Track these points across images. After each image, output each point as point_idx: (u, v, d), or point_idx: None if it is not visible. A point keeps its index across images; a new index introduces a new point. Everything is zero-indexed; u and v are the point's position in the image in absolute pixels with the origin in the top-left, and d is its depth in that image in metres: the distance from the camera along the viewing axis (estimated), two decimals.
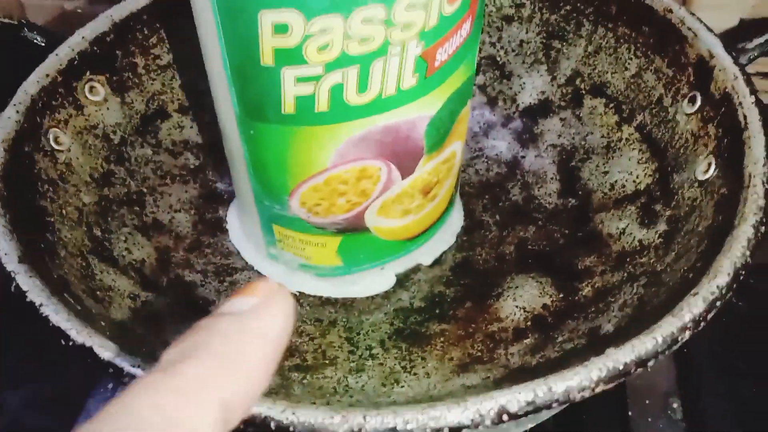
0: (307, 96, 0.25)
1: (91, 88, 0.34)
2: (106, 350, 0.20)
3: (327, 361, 0.30)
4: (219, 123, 0.30)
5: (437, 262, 0.35)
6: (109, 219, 0.33)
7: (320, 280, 0.34)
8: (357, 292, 0.34)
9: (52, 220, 0.29)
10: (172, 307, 0.31)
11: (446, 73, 0.26)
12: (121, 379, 0.20)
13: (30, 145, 0.30)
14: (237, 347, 0.13)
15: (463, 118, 0.30)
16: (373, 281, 0.34)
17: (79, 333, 0.21)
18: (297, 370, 0.29)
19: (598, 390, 0.19)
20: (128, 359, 0.20)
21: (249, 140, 0.28)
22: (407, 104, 0.26)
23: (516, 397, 0.19)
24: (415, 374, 0.29)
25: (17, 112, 0.30)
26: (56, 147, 0.32)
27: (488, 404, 0.18)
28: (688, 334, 0.20)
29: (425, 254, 0.35)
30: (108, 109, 0.35)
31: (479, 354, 0.30)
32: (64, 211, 0.31)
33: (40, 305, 0.22)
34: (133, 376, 0.20)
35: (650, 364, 0.20)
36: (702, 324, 0.21)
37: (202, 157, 0.39)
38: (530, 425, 0.26)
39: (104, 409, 0.12)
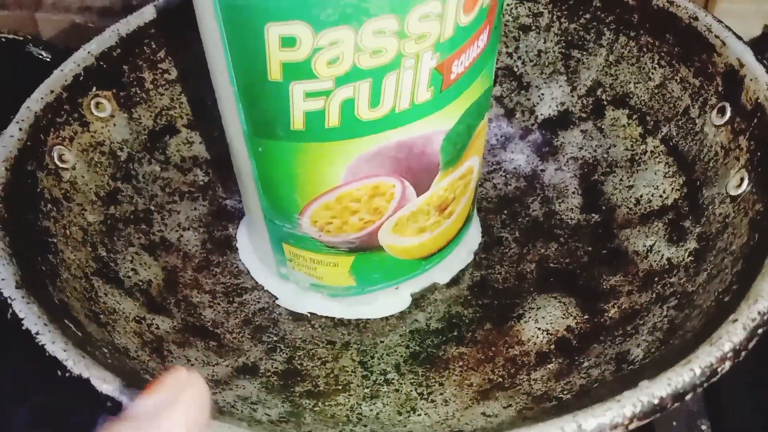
0: (317, 111, 0.23)
1: (98, 104, 0.33)
2: (104, 383, 0.19)
3: (340, 387, 0.29)
4: (227, 140, 0.29)
5: (454, 281, 0.34)
6: (115, 238, 0.32)
7: (332, 301, 0.32)
8: (371, 313, 0.32)
9: (55, 241, 0.28)
10: (179, 330, 0.30)
11: (463, 86, 0.25)
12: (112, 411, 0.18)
13: (33, 163, 0.29)
14: None
15: (481, 132, 0.29)
16: (387, 302, 0.33)
17: (76, 364, 0.20)
18: (308, 397, 0.28)
19: (631, 427, 0.18)
20: (127, 393, 0.19)
21: (258, 157, 0.27)
22: (422, 119, 0.25)
23: None
24: (432, 401, 0.28)
25: (20, 129, 0.29)
26: (60, 165, 0.31)
27: None
28: (728, 365, 0.19)
29: (442, 273, 0.34)
30: (115, 125, 0.34)
31: (500, 380, 0.28)
32: (67, 232, 0.30)
33: (36, 333, 0.21)
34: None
35: (688, 398, 0.18)
36: (743, 354, 0.19)
37: (212, 174, 0.38)
38: None
39: None
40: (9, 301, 0.22)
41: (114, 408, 0.19)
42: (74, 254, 0.29)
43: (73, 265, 0.28)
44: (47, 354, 0.20)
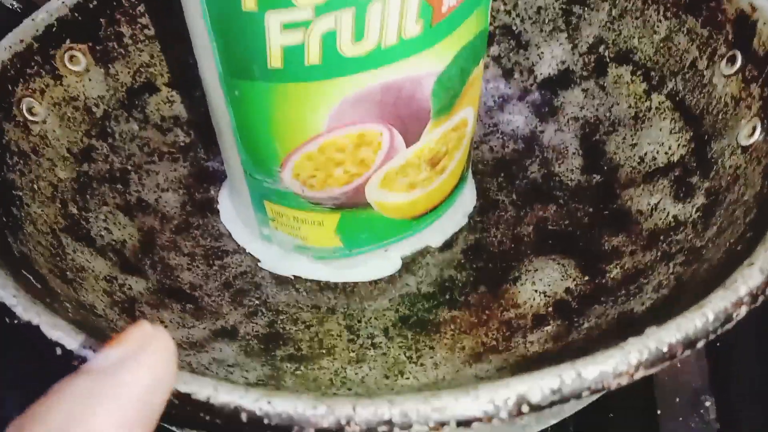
0: (296, 46, 0.22)
1: (72, 57, 0.31)
2: (55, 329, 0.17)
3: (324, 351, 0.27)
4: (204, 88, 0.27)
5: (447, 244, 0.32)
6: (88, 197, 0.30)
7: (318, 263, 0.31)
8: (358, 276, 0.30)
9: (21, 194, 0.27)
10: (153, 292, 0.28)
11: (455, 22, 0.23)
12: (69, 363, 0.17)
13: None
14: (82, 414, 0.12)
15: (475, 80, 0.27)
16: (376, 265, 0.31)
17: (26, 310, 0.18)
18: (290, 360, 0.26)
19: (637, 376, 0.16)
20: (79, 339, 0.17)
21: (234, 103, 0.25)
22: (411, 56, 0.23)
23: (539, 385, 0.15)
24: (422, 365, 0.26)
25: None
26: (30, 118, 0.29)
27: (504, 393, 0.15)
28: (744, 309, 0.17)
29: (434, 236, 0.32)
30: (90, 80, 0.32)
31: (494, 343, 0.27)
32: (35, 186, 0.28)
33: None
34: (84, 360, 0.17)
35: (699, 345, 0.16)
36: (761, 298, 0.17)
37: (193, 135, 0.36)
38: (552, 421, 0.23)
39: None
40: None
41: (66, 356, 0.17)
42: (41, 209, 0.27)
43: (40, 220, 0.27)
44: None
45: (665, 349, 0.16)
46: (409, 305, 0.29)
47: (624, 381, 0.16)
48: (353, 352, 0.27)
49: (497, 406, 0.15)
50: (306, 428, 0.15)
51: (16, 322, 0.18)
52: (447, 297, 0.29)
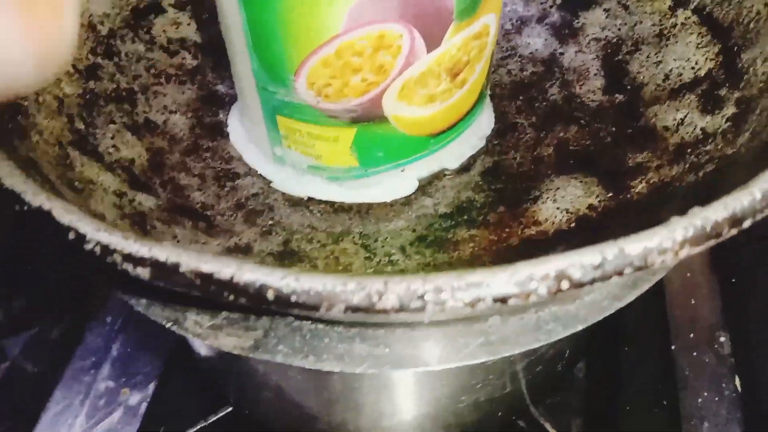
0: None
1: None
2: (68, 213, 0.16)
3: (340, 268, 0.26)
4: None
5: (465, 168, 0.31)
6: (95, 114, 0.29)
7: (332, 184, 0.30)
8: (374, 197, 0.29)
9: (25, 104, 0.26)
10: (164, 209, 0.27)
11: None
12: (81, 247, 0.16)
13: None
14: None
15: None
16: (392, 185, 0.30)
17: (36, 195, 0.17)
18: None
19: (682, 254, 0.15)
20: (93, 223, 0.16)
21: (248, 4, 0.24)
22: None
23: (579, 261, 0.14)
24: None
25: None
26: None
27: (543, 268, 0.14)
28: None
29: (451, 158, 0.31)
30: None
31: (515, 258, 0.26)
32: (40, 98, 0.27)
33: None
34: (99, 243, 0.16)
35: (745, 224, 0.16)
36: None
37: (201, 57, 0.35)
38: (579, 327, 0.22)
39: None
40: None
41: (78, 241, 0.16)
42: (48, 121, 0.26)
43: (46, 131, 0.26)
44: (3, 187, 0.17)
45: (710, 226, 0.15)
46: (426, 225, 0.29)
47: (669, 258, 0.15)
48: (370, 269, 0.26)
49: (536, 280, 0.14)
50: (335, 304, 0.14)
51: (26, 208, 0.17)
52: (465, 217, 0.29)
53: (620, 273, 0.15)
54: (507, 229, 0.27)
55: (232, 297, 0.15)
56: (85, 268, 0.37)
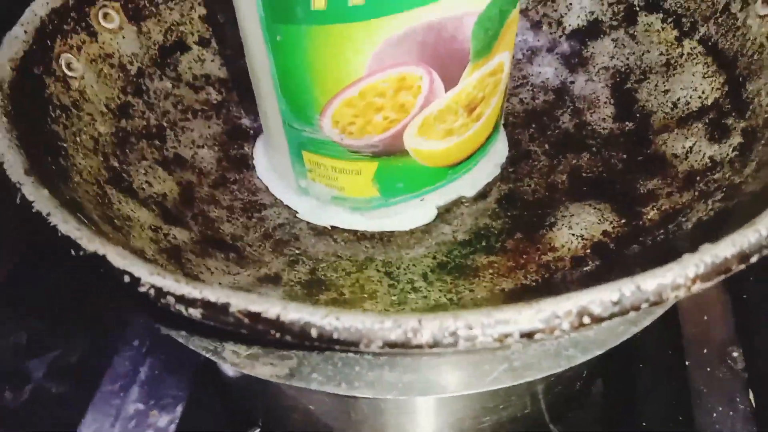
0: None
1: (105, 14, 0.32)
2: (122, 258, 0.18)
3: (366, 296, 0.28)
4: (242, 36, 0.27)
5: (481, 195, 0.32)
6: (128, 151, 0.31)
7: (355, 214, 0.31)
8: (395, 225, 0.31)
9: (65, 145, 0.27)
10: (197, 242, 0.29)
11: None
12: (135, 290, 0.17)
13: (40, 67, 0.28)
14: None
15: (512, 23, 0.27)
16: (412, 214, 0.31)
17: (90, 242, 0.18)
18: (334, 304, 0.27)
19: (694, 289, 0.16)
20: (146, 267, 0.17)
21: (276, 48, 0.25)
22: None
23: (599, 297, 0.16)
24: (463, 306, 0.26)
25: (25, 32, 0.28)
26: (69, 73, 0.29)
27: (566, 305, 0.16)
28: None
29: (467, 186, 0.32)
30: (124, 37, 0.33)
31: (533, 284, 0.27)
32: (78, 139, 0.28)
33: (48, 214, 0.19)
34: (153, 287, 0.17)
35: (752, 259, 0.17)
36: None
37: (225, 93, 0.36)
38: (597, 352, 0.23)
39: None
40: (18, 185, 0.21)
41: (133, 284, 0.17)
42: (86, 161, 0.28)
43: (85, 171, 0.27)
44: (60, 234, 0.19)
45: (720, 262, 0.16)
46: (446, 252, 0.30)
47: (681, 294, 0.16)
48: (394, 296, 0.28)
49: (559, 317, 0.15)
50: (374, 341, 0.15)
51: (81, 253, 0.18)
52: (483, 244, 0.30)
53: (637, 308, 0.16)
54: (525, 256, 0.29)
55: (278, 335, 0.16)
56: (105, 291, 0.39)
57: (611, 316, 0.16)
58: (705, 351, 0.42)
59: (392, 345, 0.15)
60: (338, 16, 0.23)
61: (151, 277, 0.17)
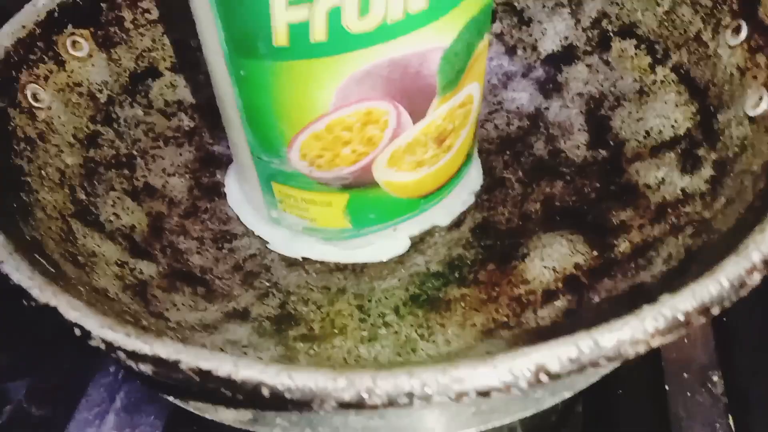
0: (301, 23, 0.22)
1: (74, 42, 0.31)
2: (73, 310, 0.17)
3: (336, 330, 0.27)
4: (208, 69, 0.27)
5: (455, 223, 0.32)
6: (96, 182, 0.30)
7: (327, 245, 0.31)
8: (368, 257, 0.30)
9: (29, 180, 0.27)
10: (164, 275, 0.28)
11: None
12: (86, 343, 0.17)
13: (5, 99, 0.27)
14: None
15: (480, 55, 0.27)
16: (385, 244, 0.31)
17: (42, 292, 0.18)
18: (303, 340, 0.27)
19: (654, 344, 0.16)
20: (97, 320, 0.17)
21: (240, 83, 0.25)
22: (416, 31, 0.23)
23: (556, 353, 0.15)
24: (433, 342, 0.26)
25: None
26: (35, 104, 0.29)
27: (522, 362, 0.15)
28: (757, 276, 0.17)
29: (441, 215, 0.32)
30: (93, 65, 0.32)
31: (505, 319, 0.27)
32: (43, 172, 0.28)
33: (0, 262, 0.19)
34: (103, 341, 0.17)
35: (714, 312, 0.16)
36: None
37: (198, 119, 0.36)
38: (567, 394, 0.23)
39: None
40: None
41: (84, 337, 0.17)
42: (50, 195, 0.27)
43: (49, 206, 0.27)
44: (11, 282, 0.18)
45: (681, 317, 0.16)
46: (418, 284, 0.29)
47: (641, 349, 0.16)
48: (365, 330, 0.27)
49: (516, 375, 0.15)
50: (327, 401, 0.15)
51: (33, 304, 0.18)
52: (456, 275, 0.30)
53: (596, 364, 0.15)
54: (497, 288, 0.28)
55: (229, 393, 0.16)
56: None
57: (569, 374, 0.15)
58: (685, 375, 0.41)
59: (346, 405, 0.15)
60: (301, 53, 0.22)
61: (101, 330, 0.17)
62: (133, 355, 0.16)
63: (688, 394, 0.41)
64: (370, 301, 0.29)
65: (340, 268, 0.31)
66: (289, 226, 0.31)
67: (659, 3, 0.32)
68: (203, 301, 0.28)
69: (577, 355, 0.15)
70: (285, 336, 0.27)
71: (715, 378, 0.42)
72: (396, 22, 0.22)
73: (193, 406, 0.22)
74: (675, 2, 0.31)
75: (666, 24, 0.32)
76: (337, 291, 0.30)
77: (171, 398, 0.22)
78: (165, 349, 0.16)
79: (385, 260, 0.31)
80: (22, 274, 0.18)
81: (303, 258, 0.31)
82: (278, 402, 0.15)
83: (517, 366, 0.15)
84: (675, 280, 0.23)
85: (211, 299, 0.28)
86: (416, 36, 0.23)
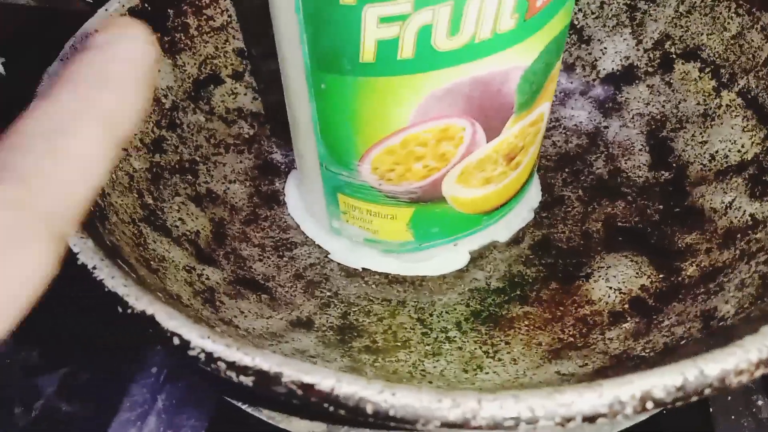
0: (391, 40, 0.22)
1: None
2: (171, 319, 0.18)
3: (399, 344, 0.27)
4: (283, 80, 0.27)
5: (514, 240, 0.32)
6: (161, 187, 0.30)
7: (387, 257, 0.31)
8: (428, 270, 0.31)
9: (102, 184, 0.27)
10: (229, 282, 0.29)
11: (546, 17, 0.23)
12: (185, 353, 0.17)
13: None
14: (105, 71, 0.14)
15: (555, 75, 0.27)
16: (445, 259, 0.31)
17: (138, 300, 0.18)
18: (367, 352, 0.27)
19: (757, 374, 0.16)
20: (197, 329, 0.17)
21: (319, 96, 0.25)
22: (502, 51, 0.23)
23: (662, 382, 0.15)
24: (499, 360, 0.26)
25: None
26: None
27: (629, 389, 0.15)
28: None
29: (501, 231, 0.32)
30: (159, 71, 0.32)
31: (571, 339, 0.27)
32: (114, 176, 0.28)
33: (93, 268, 0.19)
34: (203, 351, 0.17)
35: None
36: None
37: (257, 127, 0.36)
38: (628, 424, 0.23)
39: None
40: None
41: (183, 347, 0.17)
42: (121, 199, 0.27)
43: (121, 210, 0.27)
44: (106, 290, 0.19)
45: None
46: (479, 300, 0.30)
47: (745, 379, 0.16)
48: (428, 345, 0.27)
49: (623, 402, 0.15)
50: (431, 421, 0.15)
51: (129, 311, 0.18)
52: (518, 292, 0.30)
53: (700, 393, 0.15)
54: (561, 308, 0.28)
55: (331, 408, 0.16)
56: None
57: (674, 402, 0.15)
58: (729, 398, 0.41)
59: (450, 425, 0.15)
60: (386, 69, 0.23)
61: (201, 341, 0.17)
62: (234, 367, 0.17)
63: (733, 417, 0.41)
64: (431, 315, 0.29)
65: (399, 280, 0.31)
66: (350, 236, 0.31)
67: (726, 27, 0.32)
68: (268, 308, 0.28)
69: (682, 383, 0.15)
70: (350, 347, 0.27)
71: (760, 402, 0.42)
72: (483, 41, 0.22)
73: (266, 415, 0.22)
74: (743, 27, 0.31)
75: (733, 48, 0.32)
76: (397, 303, 0.30)
77: (242, 405, 0.22)
78: (267, 361, 0.16)
79: (444, 274, 0.31)
80: (116, 281, 0.19)
81: (362, 269, 0.31)
82: (381, 419, 0.15)
83: (624, 393, 0.15)
84: (752, 307, 0.22)
85: (275, 307, 0.28)
86: (501, 56, 0.23)
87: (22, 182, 0.12)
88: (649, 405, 0.15)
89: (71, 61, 0.14)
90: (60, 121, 0.13)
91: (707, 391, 0.16)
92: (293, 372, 0.16)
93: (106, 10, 0.30)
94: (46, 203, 0.12)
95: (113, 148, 0.14)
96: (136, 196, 0.29)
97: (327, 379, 0.16)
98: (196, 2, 0.34)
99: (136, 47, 0.15)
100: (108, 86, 0.14)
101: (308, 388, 0.16)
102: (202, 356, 0.17)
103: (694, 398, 0.15)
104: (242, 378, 0.16)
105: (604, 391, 0.15)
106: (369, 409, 0.16)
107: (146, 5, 0.32)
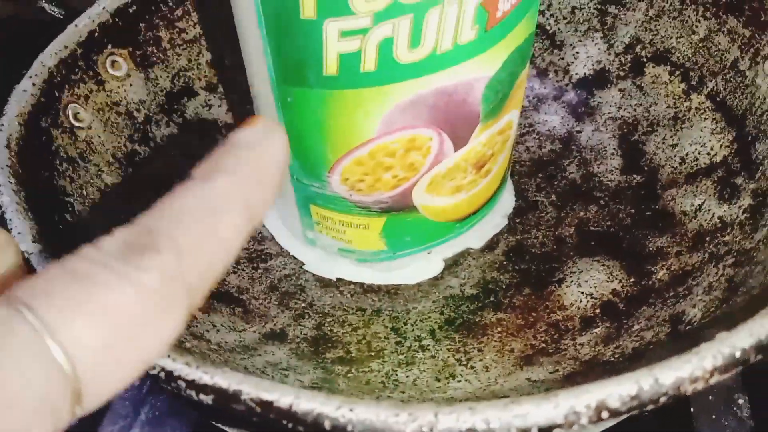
0: (353, 53, 0.22)
1: (113, 62, 0.32)
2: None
3: (373, 354, 0.27)
4: (252, 92, 0.27)
5: (488, 246, 0.32)
6: (133, 202, 0.30)
7: (361, 266, 0.31)
8: (402, 279, 0.31)
9: (72, 201, 0.27)
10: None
11: (508, 27, 0.23)
12: (146, 372, 0.17)
13: (47, 120, 0.28)
14: (257, 169, 0.16)
15: (521, 83, 0.27)
16: (419, 267, 0.31)
17: None
18: (340, 363, 0.27)
19: (712, 381, 0.16)
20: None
21: (286, 109, 0.25)
22: (464, 62, 0.23)
23: (617, 391, 0.15)
24: (472, 367, 0.26)
25: (33, 85, 0.28)
26: (76, 124, 0.29)
27: (584, 399, 0.15)
28: None
29: (475, 238, 0.32)
30: (131, 85, 0.32)
31: (543, 345, 0.27)
32: (84, 192, 0.28)
33: None
34: (163, 370, 0.17)
35: None
36: None
37: None
38: (609, 424, 0.23)
39: (154, 207, 0.15)
40: (26, 255, 0.20)
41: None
42: (91, 216, 0.27)
43: (92, 226, 0.27)
44: None
45: (739, 355, 0.16)
46: (453, 307, 0.30)
47: (700, 386, 0.16)
48: (402, 354, 0.27)
49: (578, 412, 0.15)
50: None
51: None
52: (491, 299, 0.30)
53: (655, 402, 0.16)
54: (533, 313, 0.28)
55: (290, 425, 0.16)
56: None
57: (629, 411, 0.15)
58: (710, 398, 0.41)
59: None
60: (350, 82, 0.23)
61: (162, 360, 0.17)
62: (194, 385, 0.17)
63: (714, 416, 0.41)
64: (405, 324, 0.29)
65: (374, 289, 0.31)
66: (324, 247, 0.31)
67: (695, 31, 0.32)
68: (241, 321, 0.28)
69: (637, 391, 0.16)
70: (323, 358, 0.27)
71: (741, 401, 0.42)
72: (445, 52, 0.22)
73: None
74: (711, 30, 0.31)
75: (701, 51, 0.32)
76: (372, 313, 0.30)
77: (222, 425, 0.22)
78: (226, 379, 0.16)
79: (419, 282, 0.31)
80: None
81: (337, 279, 0.31)
82: None
83: (580, 403, 0.15)
84: (718, 311, 0.23)
85: (248, 320, 0.28)
86: (464, 66, 0.23)
87: (179, 255, 0.14)
88: (605, 415, 0.15)
89: (221, 152, 0.17)
90: (214, 204, 0.15)
91: (662, 400, 0.16)
92: (252, 389, 0.16)
93: (76, 26, 0.30)
94: (192, 278, 0.14)
95: (247, 237, 0.15)
96: (108, 212, 0.29)
97: (285, 396, 0.16)
98: (168, 15, 0.34)
99: (281, 150, 0.17)
100: (257, 183, 0.16)
101: (267, 405, 0.16)
102: (162, 375, 0.17)
103: (650, 407, 0.16)
104: (202, 396, 0.17)
105: (560, 401, 0.15)
106: (327, 425, 0.16)
107: (117, 20, 0.32)
